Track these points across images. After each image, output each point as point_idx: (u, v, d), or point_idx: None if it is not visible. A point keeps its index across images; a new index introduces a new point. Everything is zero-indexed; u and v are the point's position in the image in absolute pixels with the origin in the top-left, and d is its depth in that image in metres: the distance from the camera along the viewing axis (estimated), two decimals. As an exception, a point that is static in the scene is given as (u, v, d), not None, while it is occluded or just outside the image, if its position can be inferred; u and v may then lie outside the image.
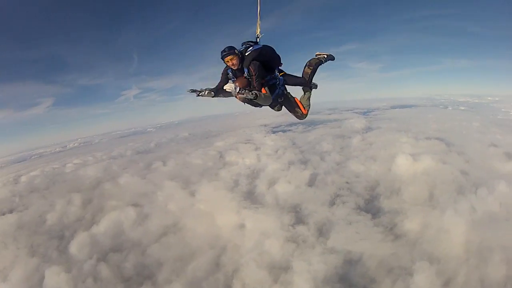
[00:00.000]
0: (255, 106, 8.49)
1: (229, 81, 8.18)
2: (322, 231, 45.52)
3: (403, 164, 63.79)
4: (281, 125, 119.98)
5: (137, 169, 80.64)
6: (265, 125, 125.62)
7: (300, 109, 9.06)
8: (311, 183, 59.64)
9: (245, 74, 7.90)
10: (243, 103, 8.13)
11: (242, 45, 8.29)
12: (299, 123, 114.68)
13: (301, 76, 9.11)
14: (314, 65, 9.11)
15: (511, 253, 39.73)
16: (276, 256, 41.19)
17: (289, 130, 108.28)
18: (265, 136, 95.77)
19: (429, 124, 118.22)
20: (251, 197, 55.33)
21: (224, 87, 7.74)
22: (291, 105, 9.08)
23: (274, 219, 47.31)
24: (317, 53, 9.15)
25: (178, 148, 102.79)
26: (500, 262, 38.66)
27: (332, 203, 52.61)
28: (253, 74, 7.78)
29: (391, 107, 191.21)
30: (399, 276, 37.34)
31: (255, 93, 7.59)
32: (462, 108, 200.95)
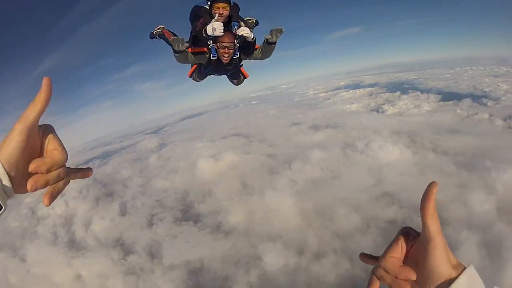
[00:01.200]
0: (233, 77, 8.41)
1: (206, 40, 6.98)
2: (153, 253, 46.59)
3: (206, 167, 68.05)
4: (78, 165, 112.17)
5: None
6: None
7: (244, 74, 8.60)
8: (123, 212, 60.43)
9: (235, 29, 6.98)
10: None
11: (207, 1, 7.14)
12: (93, 158, 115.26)
13: None
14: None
15: (354, 201, 46.04)
16: (123, 293, 40.75)
17: (86, 167, 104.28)
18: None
19: (223, 125, 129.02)
20: (74, 245, 54.27)
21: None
22: (238, 71, 8.47)
23: (105, 259, 47.37)
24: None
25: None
26: (347, 212, 44.25)
27: (150, 224, 54.12)
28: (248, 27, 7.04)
29: (181, 119, 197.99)
30: (249, 264, 39.95)
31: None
32: (254, 102, 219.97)
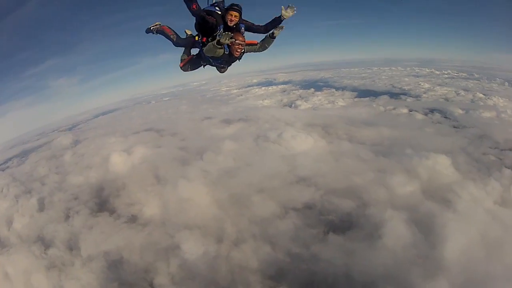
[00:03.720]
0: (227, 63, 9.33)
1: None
2: (71, 246, 45.71)
3: (119, 162, 67.84)
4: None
5: None
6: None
7: None
8: (41, 208, 58.94)
9: (242, 30, 8.73)
10: (240, 54, 8.85)
11: (213, 4, 8.97)
12: (12, 157, 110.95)
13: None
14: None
15: (269, 187, 46.86)
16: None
17: (7, 167, 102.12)
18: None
19: (135, 121, 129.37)
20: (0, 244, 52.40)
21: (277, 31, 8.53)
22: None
23: (27, 255, 45.87)
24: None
25: None
26: (263, 198, 44.92)
27: (67, 218, 53.14)
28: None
29: (94, 116, 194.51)
30: (168, 254, 39.40)
31: None
32: (166, 98, 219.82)
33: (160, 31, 9.29)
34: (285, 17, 8.33)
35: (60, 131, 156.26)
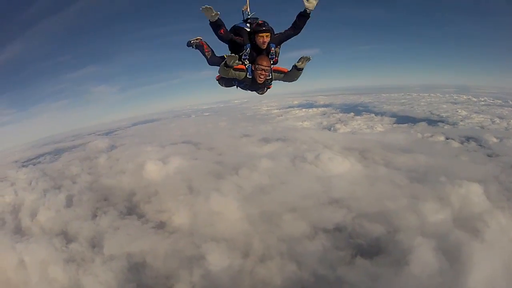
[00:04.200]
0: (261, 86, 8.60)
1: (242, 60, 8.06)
2: (94, 243, 46.09)
3: (154, 170, 68.23)
4: (30, 159, 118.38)
5: None
6: (16, 161, 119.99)
7: (268, 86, 9.16)
8: (68, 204, 60.06)
9: (272, 49, 8.00)
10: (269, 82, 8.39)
11: (245, 20, 8.53)
12: (45, 154, 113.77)
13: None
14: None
15: (301, 206, 46.37)
16: (64, 280, 40.44)
17: (38, 162, 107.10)
18: (17, 172, 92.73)
19: (173, 132, 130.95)
20: (20, 232, 53.91)
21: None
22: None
23: (47, 246, 46.20)
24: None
25: None
26: (294, 218, 44.29)
27: (94, 216, 53.78)
28: (277, 54, 8.25)
29: (133, 124, 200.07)
30: (192, 263, 38.93)
31: None
32: (207, 114, 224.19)
33: (198, 46, 9.04)
34: (309, 8, 7.35)
35: (97, 134, 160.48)
